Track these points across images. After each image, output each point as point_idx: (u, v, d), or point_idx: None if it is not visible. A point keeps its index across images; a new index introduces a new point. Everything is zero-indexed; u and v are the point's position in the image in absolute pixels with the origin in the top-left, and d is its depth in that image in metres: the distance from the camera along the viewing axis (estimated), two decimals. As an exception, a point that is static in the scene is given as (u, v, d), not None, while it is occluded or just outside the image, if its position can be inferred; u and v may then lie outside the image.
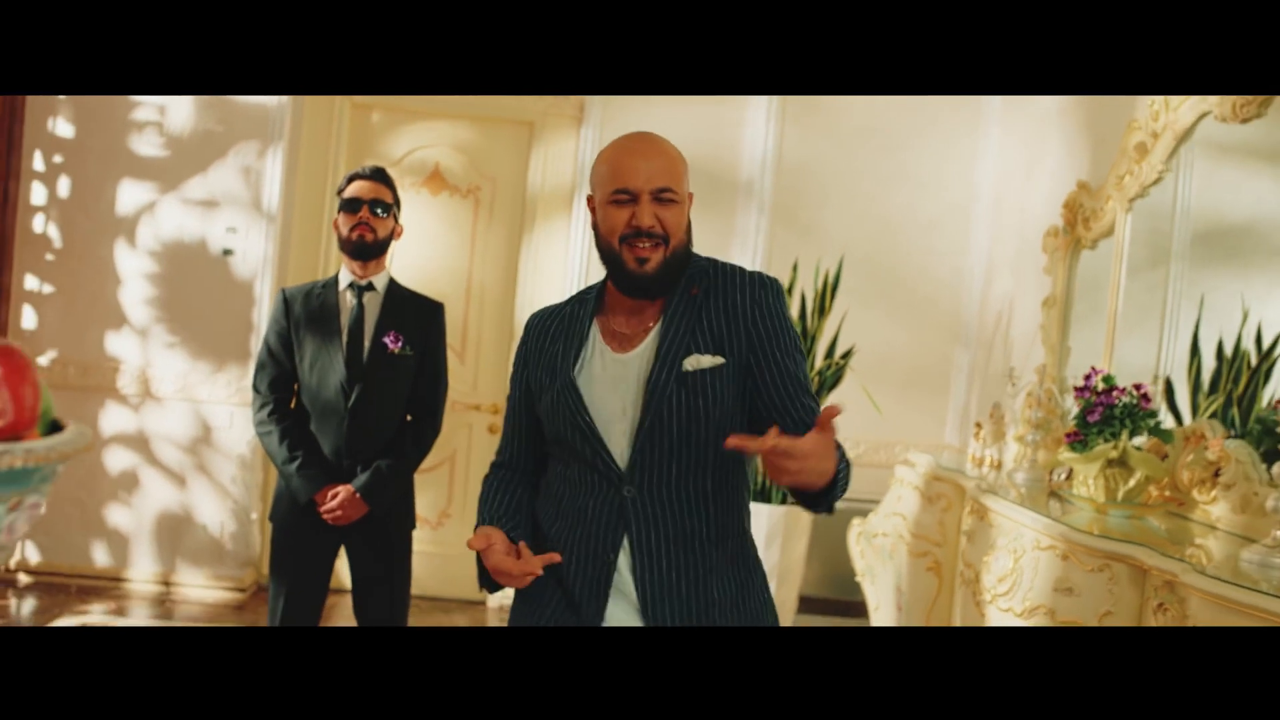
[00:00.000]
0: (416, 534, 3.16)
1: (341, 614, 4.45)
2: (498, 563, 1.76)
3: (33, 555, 4.67)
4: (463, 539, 4.83)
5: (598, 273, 1.91)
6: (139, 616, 4.40)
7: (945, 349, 5.07)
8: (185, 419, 4.68)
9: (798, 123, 4.96)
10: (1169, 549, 2.54)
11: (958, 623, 3.48)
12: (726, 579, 1.84)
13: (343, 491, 2.90)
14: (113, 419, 4.66)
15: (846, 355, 4.40)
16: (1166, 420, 3.34)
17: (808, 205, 4.98)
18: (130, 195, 4.62)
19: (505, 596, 4.69)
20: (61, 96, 4.59)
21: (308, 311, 3.00)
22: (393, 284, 3.08)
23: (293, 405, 3.04)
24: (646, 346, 1.84)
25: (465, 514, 4.99)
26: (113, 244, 4.63)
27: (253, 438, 4.66)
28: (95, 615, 4.32)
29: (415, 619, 3.29)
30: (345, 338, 2.97)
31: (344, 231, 2.98)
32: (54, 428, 1.09)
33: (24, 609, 4.34)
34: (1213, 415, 3.13)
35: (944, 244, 5.04)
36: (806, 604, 4.73)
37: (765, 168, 4.92)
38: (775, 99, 4.91)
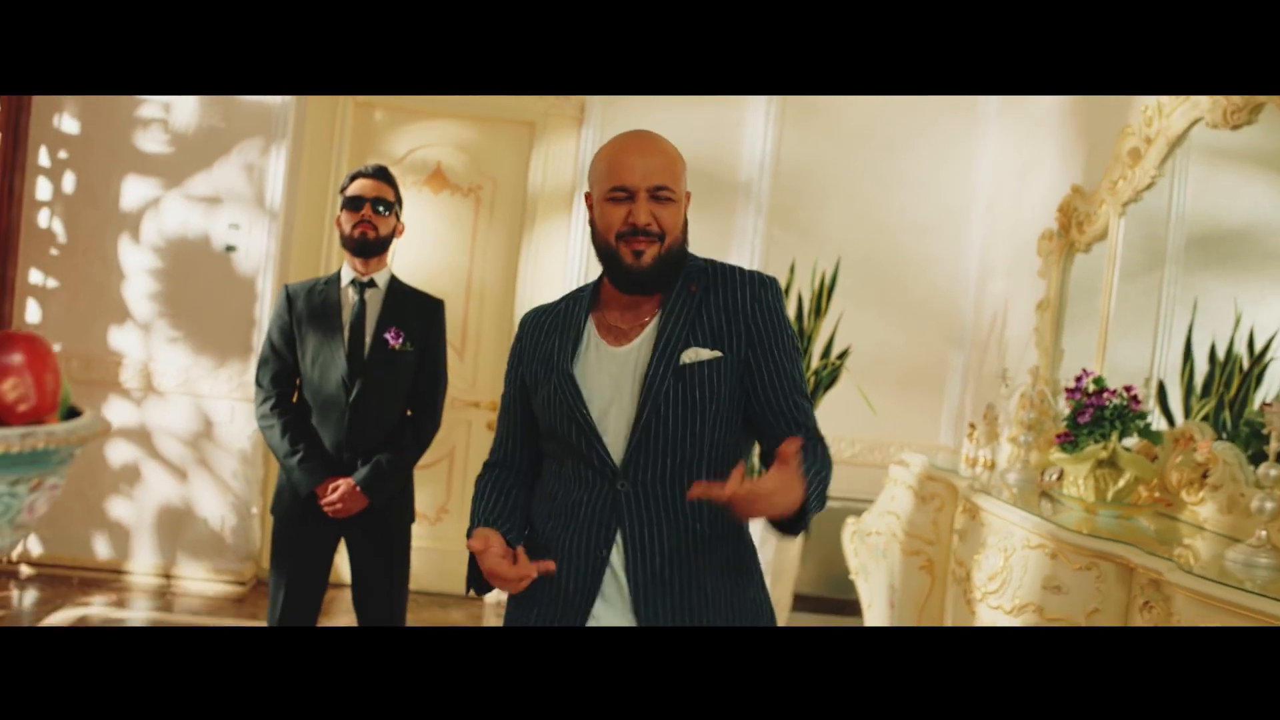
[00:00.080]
0: (415, 529, 3.21)
1: (340, 607, 4.50)
2: (493, 566, 1.75)
3: (35, 547, 4.71)
4: (461, 535, 4.86)
5: (597, 272, 1.94)
6: (139, 609, 4.44)
7: (941, 350, 5.12)
8: (187, 413, 4.73)
9: (796, 125, 5.01)
10: (1156, 548, 2.58)
11: (949, 620, 3.52)
12: (721, 577, 1.83)
13: (343, 485, 2.94)
14: (115, 413, 4.70)
15: (842, 356, 4.44)
16: (1159, 422, 3.38)
17: (805, 207, 5.03)
18: (134, 191, 4.67)
19: (503, 593, 4.72)
20: (67, 93, 4.64)
21: (310, 307, 3.04)
22: (394, 281, 3.12)
23: (295, 399, 3.08)
24: (643, 340, 1.85)
25: (464, 510, 5.03)
26: (117, 239, 4.67)
27: (254, 432, 4.71)
28: (96, 607, 4.36)
29: (413, 613, 3.33)
30: (347, 333, 3.02)
31: (346, 229, 3.03)
32: (71, 414, 1.14)
33: (26, 600, 4.38)
34: (1204, 418, 3.17)
35: (940, 246, 5.09)
36: (801, 602, 4.77)
37: (763, 169, 4.97)
38: (774, 102, 4.96)
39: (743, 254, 4.98)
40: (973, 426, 3.98)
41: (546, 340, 1.91)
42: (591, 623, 1.80)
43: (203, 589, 4.72)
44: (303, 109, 4.84)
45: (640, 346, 1.85)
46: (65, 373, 4.59)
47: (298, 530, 3.00)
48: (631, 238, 1.80)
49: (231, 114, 4.69)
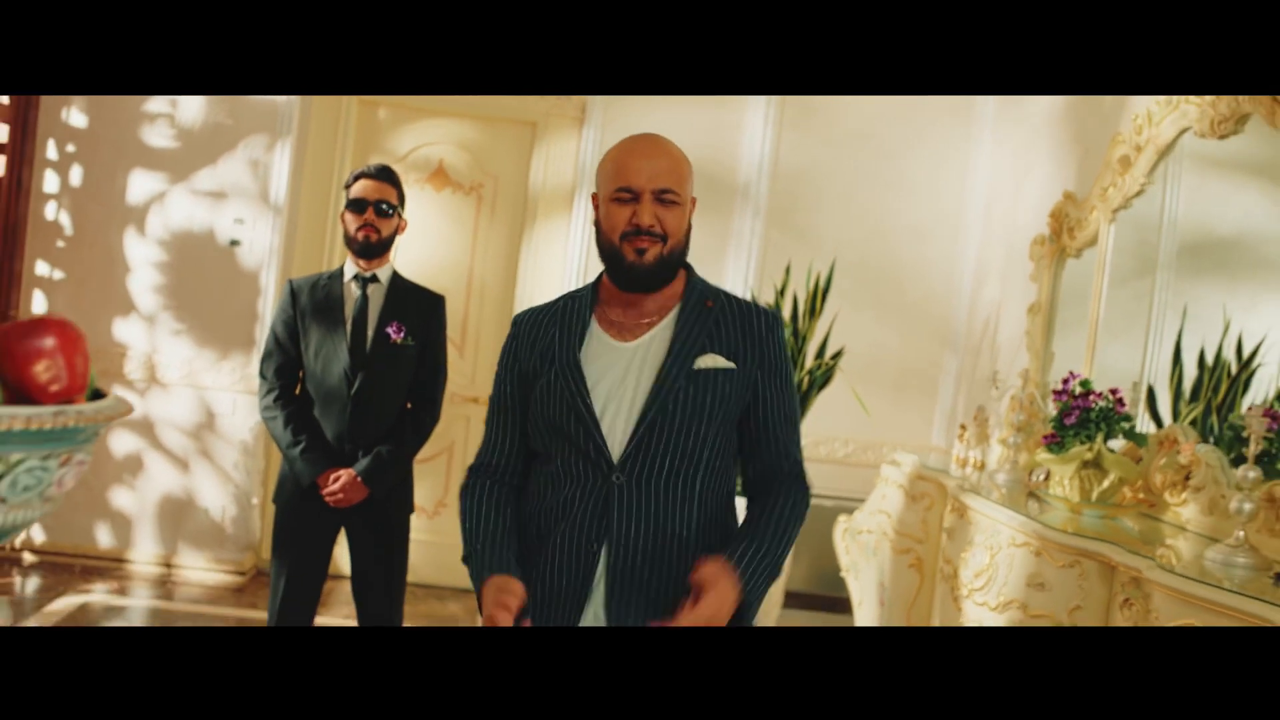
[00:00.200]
0: (413, 523, 3.26)
1: (339, 598, 4.56)
2: (503, 619, 1.71)
3: (37, 535, 4.77)
4: (458, 528, 4.93)
5: (596, 271, 1.98)
6: (140, 597, 4.50)
7: (934, 353, 5.18)
8: (190, 405, 4.79)
9: (795, 128, 5.07)
10: (1138, 547, 2.65)
11: (936, 617, 3.59)
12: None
13: (344, 475, 3.00)
14: (119, 403, 4.76)
15: (836, 356, 4.50)
16: (1149, 426, 3.44)
17: (802, 209, 5.09)
18: (141, 185, 4.73)
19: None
20: (75, 87, 4.70)
21: (314, 302, 3.10)
22: (396, 276, 3.19)
23: (297, 391, 3.14)
24: (652, 338, 1.87)
25: (461, 504, 5.08)
26: (122, 232, 4.73)
27: (255, 424, 4.77)
28: (98, 594, 4.42)
29: (410, 606, 3.39)
30: (349, 327, 3.08)
31: (350, 230, 3.09)
32: (95, 395, 1.20)
33: (28, 587, 4.44)
34: (1192, 422, 3.23)
35: (935, 250, 5.15)
36: (792, 599, 4.84)
37: (762, 172, 5.04)
38: (773, 105, 5.02)
39: (740, 255, 5.05)
40: (963, 428, 4.05)
41: (545, 334, 1.91)
42: (584, 621, 1.81)
43: (203, 578, 4.78)
44: (308, 106, 4.90)
45: (649, 344, 1.87)
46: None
47: (299, 519, 3.06)
48: (635, 237, 1.81)
49: (237, 111, 4.75)
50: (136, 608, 4.41)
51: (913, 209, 5.13)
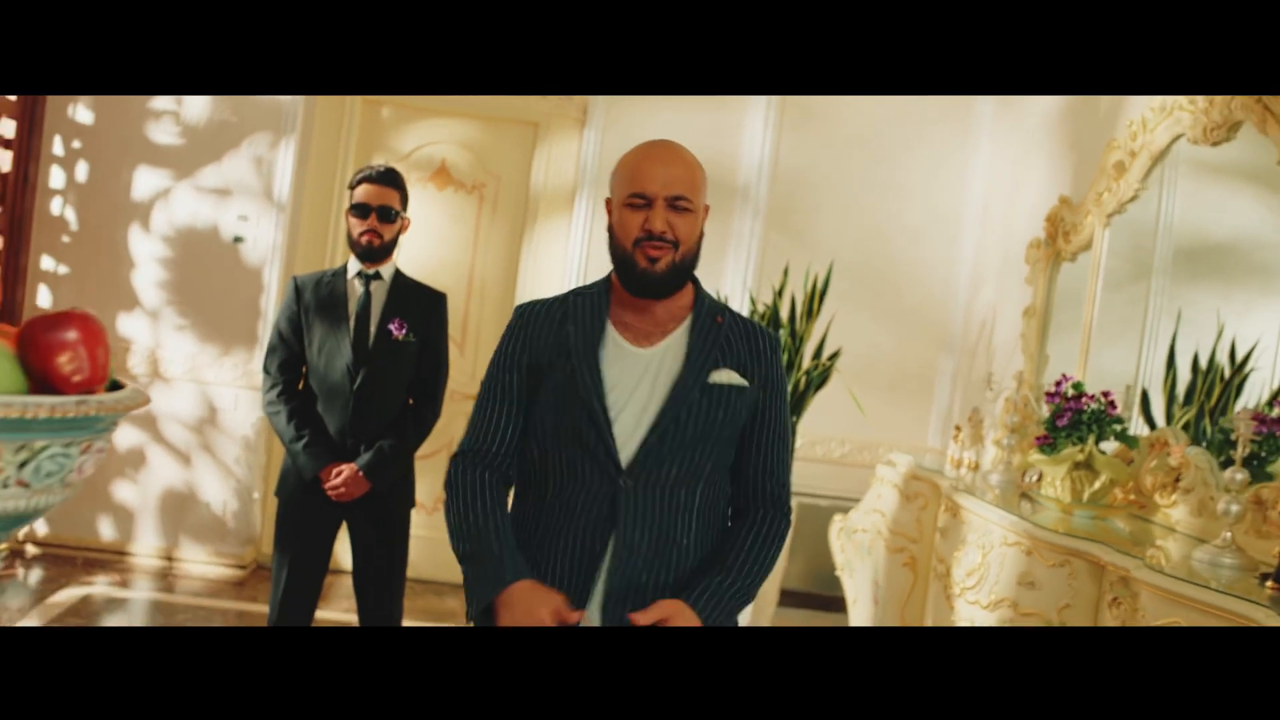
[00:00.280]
0: (412, 518, 3.30)
1: (339, 592, 4.61)
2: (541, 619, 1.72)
3: (40, 527, 4.81)
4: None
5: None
6: (142, 589, 4.55)
7: (930, 354, 5.23)
8: (192, 400, 4.83)
9: (794, 131, 5.12)
10: (1127, 548, 2.69)
11: (929, 615, 3.63)
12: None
13: (346, 469, 3.05)
14: (122, 398, 4.80)
15: (833, 357, 4.54)
16: (1142, 429, 3.48)
17: (801, 211, 5.14)
18: (146, 181, 4.78)
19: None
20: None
21: (317, 299, 3.15)
22: (398, 274, 3.23)
23: (301, 387, 3.19)
24: (668, 347, 1.88)
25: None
26: (127, 228, 4.78)
27: (257, 419, 4.82)
28: (99, 587, 4.46)
29: (409, 600, 3.43)
30: (352, 324, 3.12)
31: (353, 234, 3.14)
32: (114, 386, 1.25)
33: (31, 579, 4.48)
34: (1185, 426, 3.27)
35: (932, 253, 5.20)
36: (787, 597, 4.88)
37: (761, 174, 5.08)
38: (773, 107, 5.06)
39: (739, 256, 5.09)
40: (958, 429, 4.09)
41: (559, 328, 1.89)
42: (586, 623, 1.81)
43: (204, 571, 4.82)
44: (312, 105, 4.95)
45: (664, 353, 1.88)
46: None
47: (302, 513, 3.10)
48: (647, 243, 1.81)
49: (242, 109, 4.80)
50: (138, 600, 4.45)
51: (910, 212, 5.18)
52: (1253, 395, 3.08)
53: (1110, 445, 3.37)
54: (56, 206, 4.76)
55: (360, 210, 3.12)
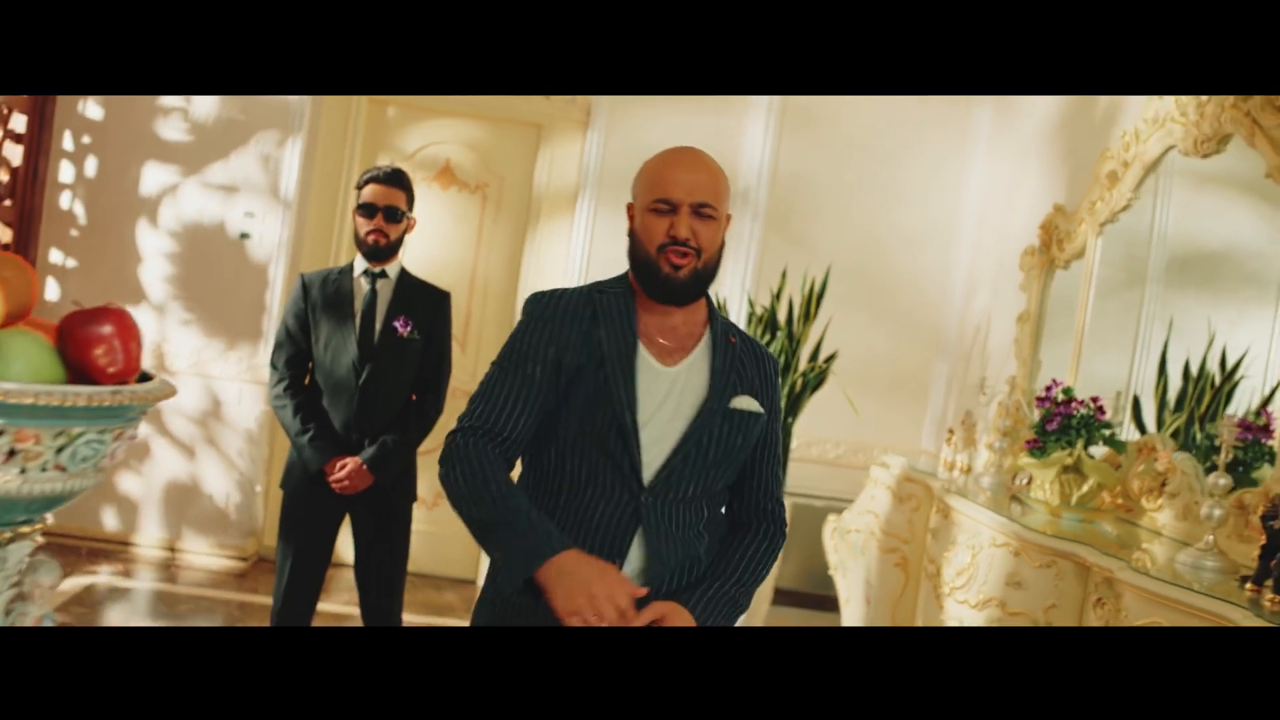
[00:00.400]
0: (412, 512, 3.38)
1: (339, 585, 4.67)
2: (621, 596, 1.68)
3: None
4: (456, 519, 5.04)
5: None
6: (144, 580, 4.61)
7: (925, 358, 5.30)
8: (197, 393, 4.90)
9: (794, 136, 5.19)
10: (1111, 549, 2.76)
11: (919, 615, 3.70)
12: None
13: (351, 463, 3.12)
14: (127, 390, 4.86)
15: (829, 359, 4.61)
16: (1133, 434, 3.54)
17: (800, 215, 5.21)
18: (154, 177, 4.84)
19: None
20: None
21: (324, 296, 3.21)
22: (404, 273, 3.30)
23: (307, 382, 3.25)
24: (690, 366, 1.88)
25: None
26: (135, 223, 4.84)
27: (260, 413, 4.89)
28: (103, 576, 4.53)
29: (408, 594, 3.48)
30: (358, 321, 3.19)
31: (360, 233, 3.21)
32: (143, 378, 1.33)
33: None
34: (1175, 432, 3.33)
35: (928, 258, 5.27)
36: (781, 596, 4.95)
37: (761, 178, 5.15)
38: (773, 112, 5.13)
39: (738, 259, 5.16)
40: (951, 432, 4.16)
41: (591, 331, 1.85)
42: None
43: (206, 563, 4.89)
44: (319, 104, 5.01)
45: (688, 372, 1.87)
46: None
47: (306, 505, 3.17)
48: (671, 249, 1.81)
49: (250, 107, 4.86)
50: (140, 590, 4.52)
51: (908, 218, 5.25)
52: (1242, 403, 3.13)
53: (1099, 450, 3.43)
54: (66, 201, 4.83)
55: (367, 210, 3.19)
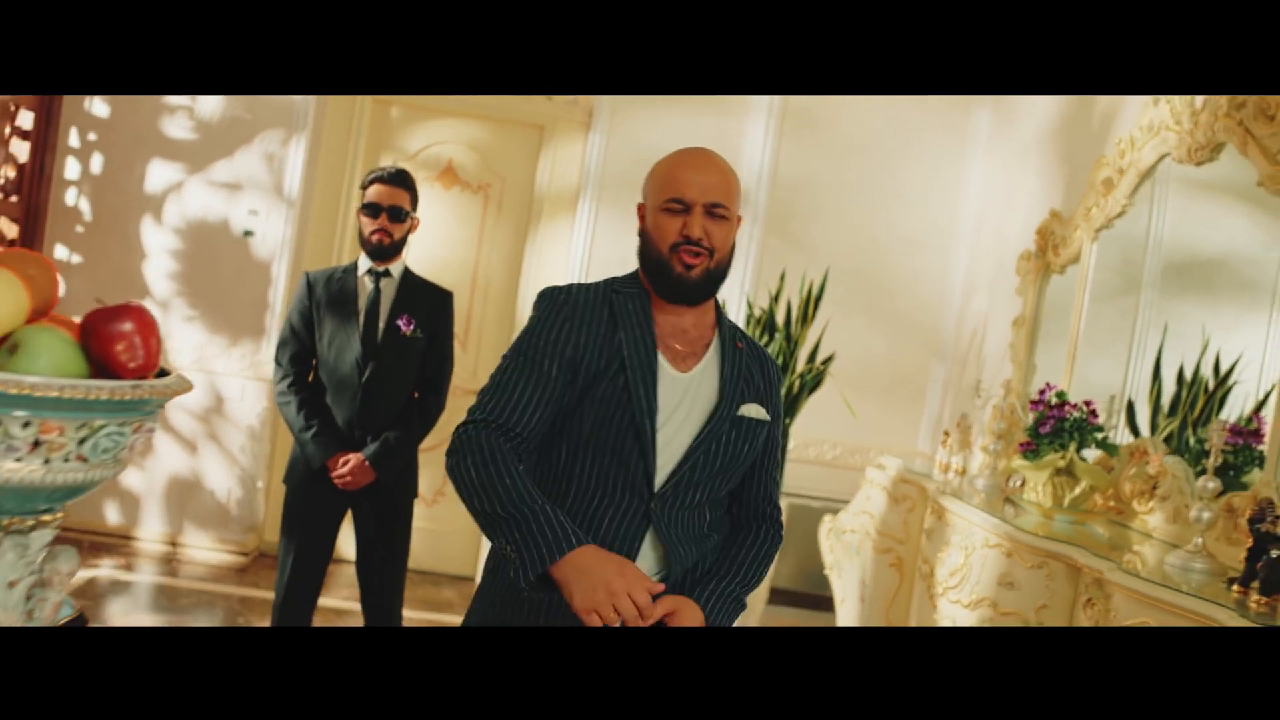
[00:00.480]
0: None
1: (340, 581, 4.72)
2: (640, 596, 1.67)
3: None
4: (455, 516, 5.10)
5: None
6: (146, 573, 4.65)
7: (922, 361, 5.35)
8: (200, 389, 4.93)
9: (794, 139, 5.23)
10: (1102, 551, 2.80)
11: (913, 614, 3.75)
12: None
13: (353, 459, 3.16)
14: (131, 385, 4.90)
15: (827, 361, 4.65)
16: (1127, 438, 3.58)
17: (799, 217, 5.26)
18: (159, 175, 4.89)
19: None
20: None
21: (329, 294, 3.26)
22: (407, 272, 3.34)
23: (310, 379, 3.29)
24: (702, 373, 1.88)
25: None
26: (140, 220, 4.89)
27: (262, 410, 4.93)
28: (105, 569, 4.57)
29: (408, 590, 3.53)
30: (362, 319, 3.23)
31: (364, 232, 3.25)
32: (160, 373, 1.38)
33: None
34: (1168, 436, 3.36)
35: (926, 261, 5.32)
36: (777, 596, 4.99)
37: (761, 180, 5.20)
38: (774, 115, 5.18)
39: (737, 260, 5.20)
40: (946, 434, 4.20)
41: (611, 334, 1.84)
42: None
43: (207, 557, 4.93)
44: (323, 103, 5.06)
45: (700, 379, 1.87)
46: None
47: (309, 500, 3.21)
48: (684, 249, 1.81)
49: (255, 106, 4.91)
50: (142, 583, 4.56)
51: (906, 221, 5.30)
52: (1236, 408, 3.17)
53: (1092, 453, 3.48)
54: (71, 197, 4.87)
55: (371, 209, 3.23)
